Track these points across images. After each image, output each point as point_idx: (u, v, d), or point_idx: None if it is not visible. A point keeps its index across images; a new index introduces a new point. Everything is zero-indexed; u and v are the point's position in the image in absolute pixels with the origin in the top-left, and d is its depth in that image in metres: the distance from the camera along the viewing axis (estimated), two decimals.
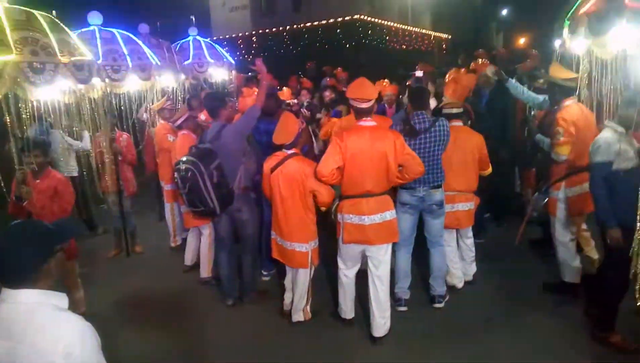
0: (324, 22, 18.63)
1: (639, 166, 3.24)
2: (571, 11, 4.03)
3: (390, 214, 3.61)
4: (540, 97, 4.73)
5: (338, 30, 18.53)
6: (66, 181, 4.02)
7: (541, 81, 5.02)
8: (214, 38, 20.34)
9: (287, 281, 4.08)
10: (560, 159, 3.93)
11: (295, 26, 19.46)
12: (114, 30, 5.59)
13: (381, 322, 3.70)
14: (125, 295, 4.73)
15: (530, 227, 4.98)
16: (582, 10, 3.69)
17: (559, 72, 4.02)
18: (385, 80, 6.60)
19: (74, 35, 3.79)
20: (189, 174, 3.79)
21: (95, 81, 3.99)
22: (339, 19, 18.30)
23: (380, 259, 3.67)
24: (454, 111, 4.16)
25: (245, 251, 4.31)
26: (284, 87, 7.38)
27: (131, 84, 5.59)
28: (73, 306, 3.85)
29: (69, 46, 3.60)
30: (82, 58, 3.67)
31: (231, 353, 3.71)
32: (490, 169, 4.30)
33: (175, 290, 4.78)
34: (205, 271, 4.81)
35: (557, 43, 4.08)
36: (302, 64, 13.20)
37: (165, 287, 4.86)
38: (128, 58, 5.44)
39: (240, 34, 21.25)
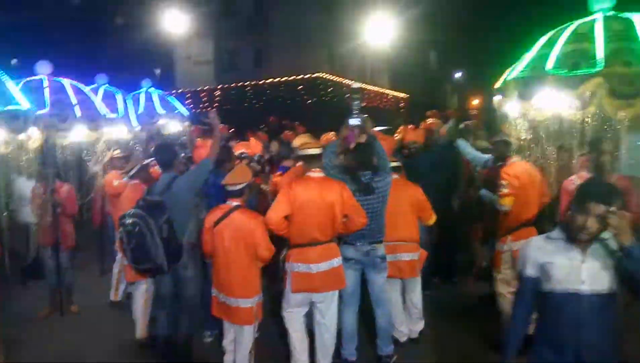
0: (285, 78, 19.18)
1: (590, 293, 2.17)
2: (504, 78, 4.35)
3: (337, 262, 3.73)
4: (485, 156, 4.94)
5: (300, 87, 19.08)
6: None
7: (484, 141, 5.28)
8: (178, 90, 20.51)
9: (227, 342, 3.87)
10: (504, 210, 4.10)
11: (257, 81, 19.93)
12: (64, 80, 5.53)
13: None
14: (55, 360, 4.36)
15: (479, 283, 5.02)
16: (510, 77, 3.99)
17: (508, 132, 4.32)
18: (332, 133, 6.70)
19: (11, 85, 3.70)
20: (136, 229, 3.59)
21: (32, 131, 3.87)
22: (300, 76, 18.89)
23: (327, 306, 3.76)
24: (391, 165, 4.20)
25: (184, 312, 4.06)
26: (252, 138, 7.41)
27: (77, 134, 5.47)
28: None
29: (4, 96, 3.51)
30: (16, 107, 3.56)
31: None
32: (434, 218, 4.37)
33: (109, 353, 4.45)
34: (140, 332, 4.52)
35: (496, 102, 4.35)
36: (264, 118, 13.38)
37: (99, 350, 4.51)
38: (77, 108, 5.36)
39: (204, 87, 21.54)
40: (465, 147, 5.14)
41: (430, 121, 6.35)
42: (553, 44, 3.89)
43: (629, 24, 3.71)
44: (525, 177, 4.09)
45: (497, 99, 4.46)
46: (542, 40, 4.09)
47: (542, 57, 3.88)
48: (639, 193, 3.69)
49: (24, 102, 3.67)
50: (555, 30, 4.04)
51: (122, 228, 3.68)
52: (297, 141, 3.81)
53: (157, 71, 23.73)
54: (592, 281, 2.15)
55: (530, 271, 2.30)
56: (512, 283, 4.13)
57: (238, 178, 3.74)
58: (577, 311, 2.16)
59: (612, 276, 2.16)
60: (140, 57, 21.89)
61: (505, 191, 4.05)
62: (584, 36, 3.72)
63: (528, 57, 4.11)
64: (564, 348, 2.21)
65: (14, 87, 3.67)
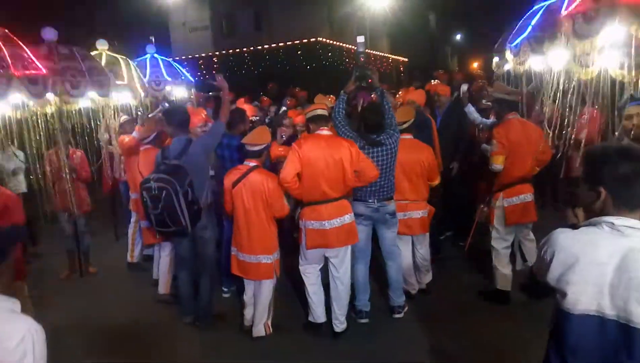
0: (283, 44, 18.93)
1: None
2: (515, 34, 4.21)
3: (349, 218, 3.86)
4: (489, 121, 5.03)
5: (299, 52, 18.87)
6: (17, 198, 3.89)
7: (484, 101, 5.32)
8: (174, 58, 20.23)
9: (247, 297, 4.07)
10: (496, 169, 4.18)
11: (256, 47, 19.66)
12: (73, 48, 5.50)
13: (341, 319, 3.97)
14: (79, 317, 4.57)
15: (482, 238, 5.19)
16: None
17: (501, 89, 4.35)
18: (332, 96, 6.72)
19: (27, 50, 3.74)
20: (164, 194, 3.64)
21: (49, 96, 3.93)
22: (299, 41, 18.64)
23: (340, 260, 3.92)
24: (404, 125, 4.30)
25: (204, 271, 4.20)
26: (246, 104, 7.36)
27: (86, 101, 5.49)
28: None
29: (23, 60, 3.56)
30: (36, 72, 3.62)
31: None
32: (438, 180, 4.50)
33: (131, 310, 4.66)
34: (163, 288, 4.72)
35: (494, 64, 4.24)
36: (264, 84, 13.27)
37: (121, 307, 4.73)
38: (87, 74, 5.36)
39: (201, 55, 21.25)
40: (473, 113, 5.22)
41: (435, 82, 6.36)
42: None
43: None
44: (518, 135, 4.10)
45: (495, 60, 4.34)
46: None
47: None
48: None
49: (41, 68, 3.71)
50: None
51: (145, 193, 3.73)
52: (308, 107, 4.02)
53: (152, 38, 23.36)
54: None
55: None
56: (505, 237, 4.31)
57: (258, 138, 3.85)
58: None
59: None
60: (134, 24, 21.50)
61: (495, 149, 4.11)
62: None
63: None
64: None
65: (30, 53, 3.70)
